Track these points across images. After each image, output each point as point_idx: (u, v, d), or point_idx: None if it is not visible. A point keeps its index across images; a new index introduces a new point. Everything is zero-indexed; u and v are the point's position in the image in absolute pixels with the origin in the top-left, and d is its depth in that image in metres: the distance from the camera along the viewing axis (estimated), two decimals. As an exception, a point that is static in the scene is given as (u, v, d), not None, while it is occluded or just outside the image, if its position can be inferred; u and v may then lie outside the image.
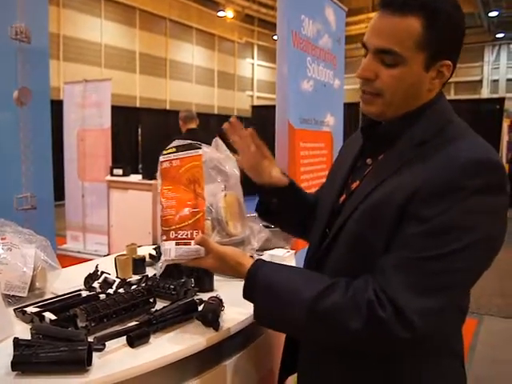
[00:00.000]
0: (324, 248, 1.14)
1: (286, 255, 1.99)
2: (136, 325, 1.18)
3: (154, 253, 1.86)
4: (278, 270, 1.08)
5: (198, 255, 1.13)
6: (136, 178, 5.74)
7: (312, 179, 2.80)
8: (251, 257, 1.18)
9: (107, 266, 1.70)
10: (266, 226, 1.88)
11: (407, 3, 0.98)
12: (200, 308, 1.31)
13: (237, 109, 21.15)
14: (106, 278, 1.53)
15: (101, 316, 1.22)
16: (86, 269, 1.65)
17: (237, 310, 1.33)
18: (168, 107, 16.75)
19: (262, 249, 2.10)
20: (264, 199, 1.36)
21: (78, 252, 6.60)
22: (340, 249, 1.09)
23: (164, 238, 1.17)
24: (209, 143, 1.42)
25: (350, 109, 5.92)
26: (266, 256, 1.94)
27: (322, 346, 1.12)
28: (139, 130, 10.92)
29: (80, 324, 1.20)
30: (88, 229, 6.64)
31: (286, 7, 2.49)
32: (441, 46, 1.00)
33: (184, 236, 1.14)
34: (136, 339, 1.14)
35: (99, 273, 1.58)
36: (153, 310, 1.31)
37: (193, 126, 5.11)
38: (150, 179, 5.14)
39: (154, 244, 2.18)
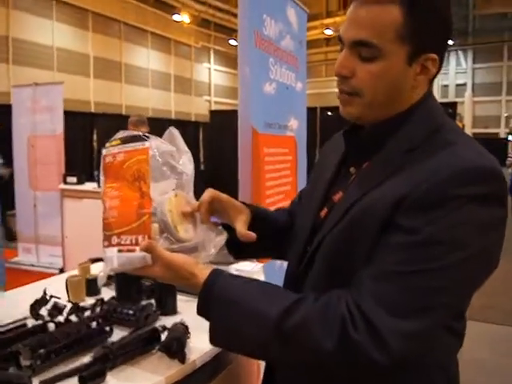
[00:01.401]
0: (303, 266, 1.03)
1: (255, 269, 1.86)
2: (90, 362, 1.02)
3: (110, 271, 1.70)
4: (237, 283, 0.94)
5: (144, 263, 0.96)
6: (91, 185, 5.49)
7: (277, 186, 2.69)
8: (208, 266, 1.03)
9: (59, 286, 1.52)
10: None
11: None
12: (163, 337, 1.16)
13: (194, 114, 20.92)
14: (55, 303, 1.36)
15: (48, 352, 1.05)
16: (35, 291, 1.47)
17: (205, 338, 1.18)
18: (124, 112, 16.35)
19: (227, 262, 1.96)
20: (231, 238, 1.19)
21: (31, 265, 6.22)
22: (319, 267, 0.98)
23: (106, 243, 1.00)
24: None
25: (310, 113, 5.87)
26: (232, 270, 1.80)
27: (296, 371, 0.98)
28: (94, 135, 10.61)
29: (24, 363, 1.03)
30: (41, 240, 6.28)
31: (247, 6, 2.36)
32: (424, 36, 0.91)
33: (128, 242, 0.97)
34: (89, 379, 0.98)
35: (48, 297, 1.40)
36: (109, 341, 1.15)
37: (143, 130, 4.91)
38: (106, 187, 4.88)
39: None
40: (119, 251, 0.97)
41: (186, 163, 1.11)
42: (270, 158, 2.57)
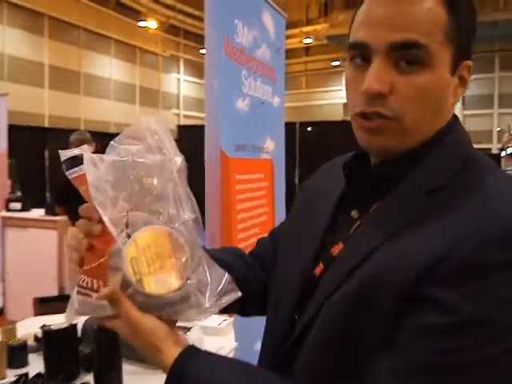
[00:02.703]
0: (292, 341, 0.85)
1: (223, 325, 1.67)
2: None
3: (39, 333, 1.48)
4: (217, 368, 0.77)
5: (103, 314, 0.78)
6: (37, 212, 5.20)
7: (251, 218, 2.52)
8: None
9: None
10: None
11: None
12: None
13: (162, 128, 20.76)
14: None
15: None
16: None
17: None
18: (82, 127, 16.09)
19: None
20: None
21: (-33, 304, 5.90)
22: (315, 343, 0.81)
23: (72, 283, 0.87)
24: None
25: (288, 130, 5.75)
26: (197, 328, 1.61)
27: None
28: (46, 153, 10.31)
29: None
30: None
31: (216, 9, 2.21)
32: (465, 39, 0.80)
33: (84, 284, 0.82)
34: None
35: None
36: None
37: (90, 150, 4.61)
38: (55, 215, 4.66)
39: (60, 293, 1.78)
40: (78, 293, 0.83)
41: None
42: (241, 186, 2.41)
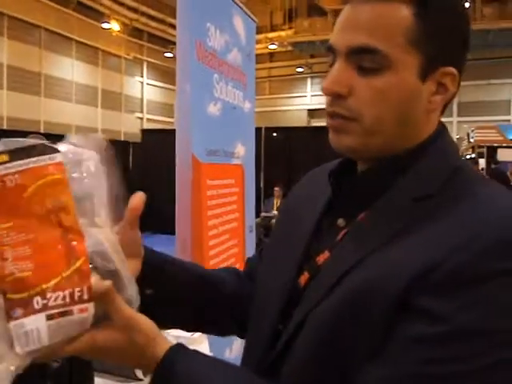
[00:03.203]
0: (276, 353, 0.82)
1: (197, 334, 1.63)
2: None
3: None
4: (206, 366, 0.75)
5: (81, 330, 0.70)
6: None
7: (221, 224, 2.48)
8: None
9: None
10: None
11: None
12: None
13: (124, 132, 20.52)
14: None
15: None
16: None
17: None
18: (42, 130, 15.76)
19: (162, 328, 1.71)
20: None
21: None
22: (300, 355, 0.78)
23: (19, 313, 0.71)
24: None
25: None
26: (169, 337, 1.56)
27: None
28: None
29: None
30: None
31: (188, 12, 2.17)
32: (440, 43, 0.77)
33: (60, 301, 0.71)
34: None
35: None
36: None
37: None
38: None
39: None
40: (49, 318, 0.71)
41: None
42: (213, 192, 2.37)
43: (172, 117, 22.52)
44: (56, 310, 0.71)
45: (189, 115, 2.16)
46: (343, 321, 0.73)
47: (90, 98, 19.70)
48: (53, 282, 0.72)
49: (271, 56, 24.24)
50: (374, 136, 0.79)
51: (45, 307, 0.71)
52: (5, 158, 0.73)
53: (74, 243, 0.74)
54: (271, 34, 22.59)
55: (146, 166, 12.03)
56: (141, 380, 1.45)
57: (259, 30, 20.38)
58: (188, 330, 1.19)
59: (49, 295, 0.71)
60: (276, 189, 10.14)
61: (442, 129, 0.84)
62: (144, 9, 20.72)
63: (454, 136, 22.46)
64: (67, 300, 0.71)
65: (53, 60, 17.90)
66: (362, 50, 0.76)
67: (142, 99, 22.73)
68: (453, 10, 0.79)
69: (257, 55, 3.22)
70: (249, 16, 2.99)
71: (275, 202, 10.09)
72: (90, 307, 0.70)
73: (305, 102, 24.50)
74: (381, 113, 0.77)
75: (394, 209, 0.77)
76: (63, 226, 0.74)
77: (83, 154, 0.79)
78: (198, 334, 1.64)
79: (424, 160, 0.79)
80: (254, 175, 3.04)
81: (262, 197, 10.26)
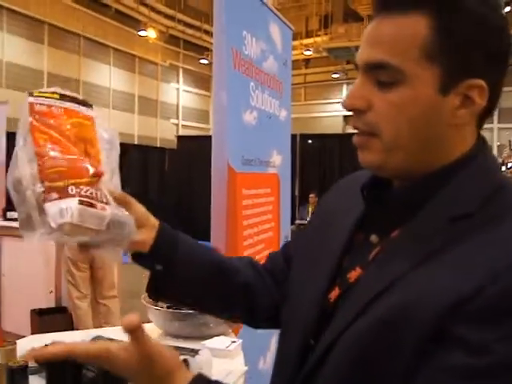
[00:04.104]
0: (309, 369, 0.80)
1: (232, 347, 1.61)
2: None
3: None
4: None
5: (97, 226, 0.86)
6: (36, 222, 5.12)
7: (257, 234, 2.46)
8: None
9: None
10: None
11: None
12: None
13: (160, 138, 20.69)
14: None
15: None
16: None
17: None
18: (80, 135, 16.09)
19: (199, 337, 1.70)
20: (144, 264, 0.98)
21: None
22: (333, 374, 0.76)
23: (56, 196, 0.84)
24: None
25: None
26: (205, 350, 1.54)
27: None
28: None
29: None
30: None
31: (225, 20, 2.16)
32: (462, 57, 0.73)
33: (88, 194, 0.87)
34: None
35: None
36: None
37: None
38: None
39: (57, 305, 1.73)
40: (80, 202, 0.85)
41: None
42: (248, 202, 2.35)
43: (207, 123, 22.65)
44: (86, 199, 0.86)
45: (225, 124, 2.15)
46: (374, 346, 0.71)
47: (127, 105, 19.96)
48: (84, 180, 0.88)
49: (307, 62, 24.14)
50: (394, 152, 0.77)
51: (78, 193, 0.86)
52: (55, 95, 0.97)
53: (96, 165, 0.91)
54: (306, 41, 22.51)
55: (181, 172, 12.15)
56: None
57: (294, 37, 20.34)
58: (198, 311, 1.22)
59: (81, 186, 0.87)
60: (311, 195, 10.07)
61: (482, 144, 0.80)
62: (180, 16, 20.94)
63: (495, 143, 21.95)
64: (94, 195, 0.87)
65: (91, 67, 18.20)
66: (375, 65, 0.76)
67: (177, 105, 22.92)
68: (481, 24, 0.74)
69: (292, 61, 3.19)
70: (285, 23, 2.97)
71: (310, 209, 10.03)
72: (109, 209, 0.87)
73: (340, 108, 23.94)
74: (398, 127, 0.76)
75: (430, 227, 0.75)
76: (88, 153, 0.92)
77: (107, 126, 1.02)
78: (234, 346, 1.62)
79: (463, 177, 0.76)
80: (289, 184, 3.02)
81: (297, 204, 10.21)
